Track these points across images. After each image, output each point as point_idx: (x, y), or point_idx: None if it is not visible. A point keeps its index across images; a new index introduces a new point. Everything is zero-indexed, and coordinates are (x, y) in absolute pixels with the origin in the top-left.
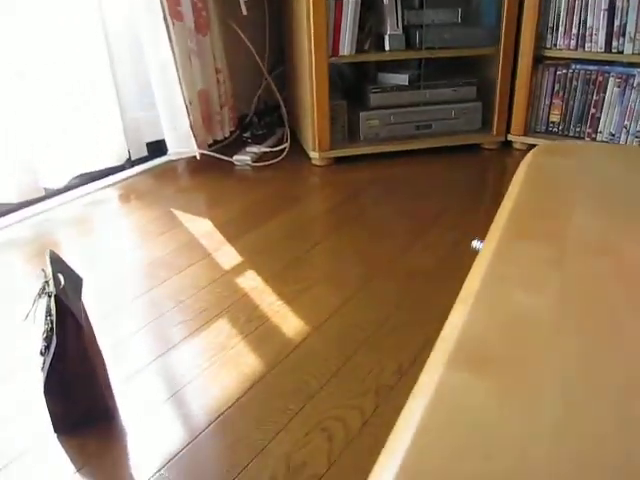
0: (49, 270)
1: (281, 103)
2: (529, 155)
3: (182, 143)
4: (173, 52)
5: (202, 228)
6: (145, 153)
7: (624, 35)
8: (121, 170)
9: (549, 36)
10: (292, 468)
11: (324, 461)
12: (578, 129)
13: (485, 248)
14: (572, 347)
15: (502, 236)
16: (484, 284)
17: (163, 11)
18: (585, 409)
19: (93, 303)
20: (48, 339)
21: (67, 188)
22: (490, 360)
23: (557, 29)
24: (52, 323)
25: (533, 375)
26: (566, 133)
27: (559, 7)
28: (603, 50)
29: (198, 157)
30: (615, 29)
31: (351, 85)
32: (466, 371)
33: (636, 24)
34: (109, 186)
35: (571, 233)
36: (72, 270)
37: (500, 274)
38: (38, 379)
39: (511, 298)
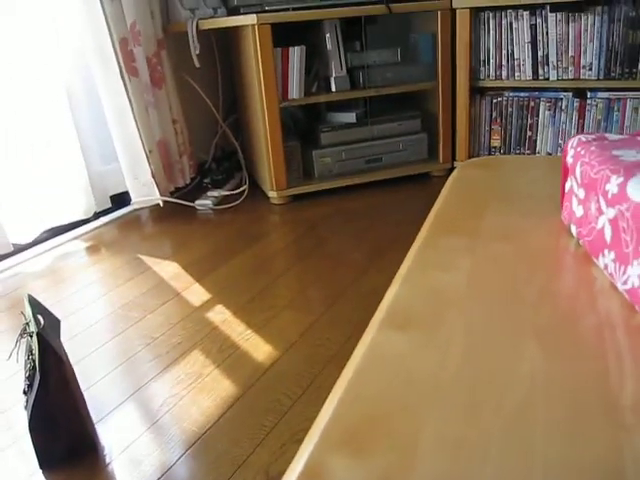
0: (28, 312)
1: (237, 148)
2: (456, 169)
3: (145, 192)
4: (131, 105)
5: (170, 270)
6: (109, 205)
7: (548, 64)
8: (87, 222)
9: (482, 68)
10: (271, 477)
11: None
12: (518, 151)
13: (414, 244)
14: (477, 308)
15: (427, 233)
16: (410, 268)
17: (119, 67)
18: (483, 348)
19: (68, 348)
20: (30, 378)
21: (35, 242)
22: (412, 321)
23: (489, 62)
24: (34, 362)
25: (446, 329)
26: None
27: (488, 43)
28: (531, 78)
29: (161, 204)
30: (539, 59)
31: (303, 126)
32: (393, 329)
33: (557, 54)
34: (76, 238)
35: (482, 228)
36: (50, 312)
37: (423, 260)
38: (22, 417)
39: (431, 277)
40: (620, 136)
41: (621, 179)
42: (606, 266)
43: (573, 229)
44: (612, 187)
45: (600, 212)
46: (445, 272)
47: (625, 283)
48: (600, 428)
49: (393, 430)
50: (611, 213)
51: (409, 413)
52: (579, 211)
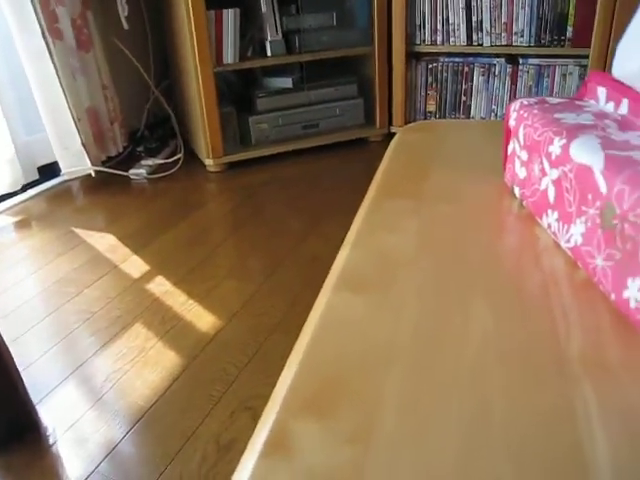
0: None
1: (171, 115)
2: (397, 134)
3: (75, 162)
4: (56, 70)
5: (105, 243)
6: (37, 177)
7: (482, 30)
8: (13, 196)
9: (418, 33)
10: (222, 446)
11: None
12: (453, 116)
13: (360, 208)
14: (426, 268)
15: (373, 197)
16: (359, 232)
17: (41, 29)
18: (435, 309)
19: (1, 328)
20: None
21: None
22: (364, 283)
23: (424, 27)
24: None
25: (397, 290)
26: None
27: (424, 7)
28: (465, 44)
29: (93, 174)
30: (474, 24)
31: (238, 92)
32: (346, 292)
33: (490, 20)
34: (2, 212)
35: (427, 190)
36: None
37: (371, 223)
38: None
39: (379, 239)
40: (560, 99)
41: (564, 141)
42: (549, 225)
43: (516, 190)
44: (555, 149)
45: (544, 173)
46: (393, 234)
47: (568, 241)
48: (551, 379)
49: (354, 392)
50: (554, 174)
51: (369, 375)
52: (522, 173)
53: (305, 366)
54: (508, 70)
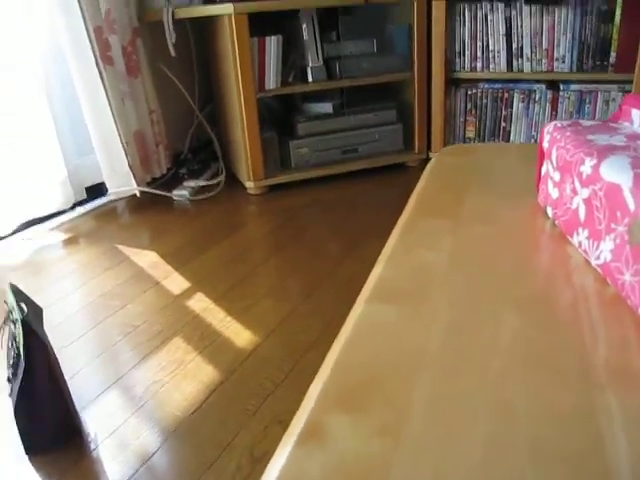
0: (11, 300)
1: (214, 138)
2: (435, 156)
3: (121, 183)
4: (107, 96)
5: (148, 260)
6: (84, 196)
7: (522, 56)
8: (62, 214)
9: (457, 60)
10: (256, 458)
11: None
12: (492, 142)
13: (396, 226)
14: (458, 283)
15: (409, 216)
16: (394, 249)
17: (95, 56)
18: (466, 319)
19: (49, 337)
20: (15, 365)
21: (13, 234)
22: (398, 295)
23: (464, 53)
24: (18, 349)
25: (429, 302)
26: None
27: (463, 34)
28: (506, 70)
29: (138, 195)
30: (514, 51)
31: (279, 117)
32: (380, 303)
33: (531, 46)
34: (53, 229)
35: (462, 211)
36: (32, 300)
37: (406, 241)
38: (7, 405)
39: (414, 256)
40: (593, 122)
41: (595, 161)
42: (580, 244)
43: (549, 210)
44: (586, 169)
45: (575, 193)
46: (428, 251)
47: (598, 258)
48: (576, 384)
49: (387, 391)
50: (585, 193)
51: (401, 377)
52: (555, 193)
53: (339, 366)
54: (549, 96)
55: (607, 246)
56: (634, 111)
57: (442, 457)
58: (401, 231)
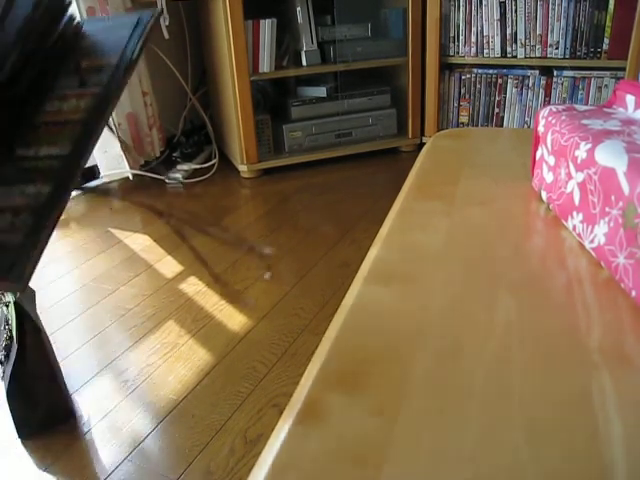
0: None
1: (207, 122)
2: (430, 140)
3: (114, 165)
4: None
5: (141, 243)
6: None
7: (516, 42)
8: None
9: (452, 45)
10: (249, 440)
11: None
12: (486, 127)
13: (392, 208)
14: (455, 265)
15: (405, 199)
16: (390, 231)
17: None
18: (462, 299)
19: (42, 320)
20: (7, 348)
21: None
22: (394, 277)
23: (458, 39)
24: (11, 332)
25: (425, 282)
26: None
27: (458, 19)
28: (500, 55)
29: (131, 177)
30: (508, 36)
31: (273, 100)
32: (376, 284)
33: (525, 32)
34: None
35: (458, 193)
36: None
37: (402, 223)
38: None
39: (410, 237)
40: (588, 107)
41: (589, 145)
42: (574, 227)
43: (543, 194)
44: (581, 153)
45: (569, 177)
46: (423, 233)
47: (592, 242)
48: (570, 366)
49: (383, 372)
50: (580, 177)
51: (398, 356)
52: (549, 177)
53: (337, 347)
54: (542, 82)
55: (601, 230)
56: (628, 97)
57: (439, 437)
58: (397, 213)
